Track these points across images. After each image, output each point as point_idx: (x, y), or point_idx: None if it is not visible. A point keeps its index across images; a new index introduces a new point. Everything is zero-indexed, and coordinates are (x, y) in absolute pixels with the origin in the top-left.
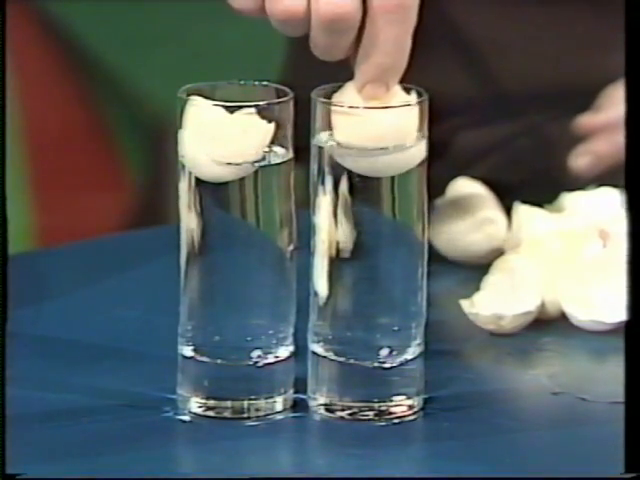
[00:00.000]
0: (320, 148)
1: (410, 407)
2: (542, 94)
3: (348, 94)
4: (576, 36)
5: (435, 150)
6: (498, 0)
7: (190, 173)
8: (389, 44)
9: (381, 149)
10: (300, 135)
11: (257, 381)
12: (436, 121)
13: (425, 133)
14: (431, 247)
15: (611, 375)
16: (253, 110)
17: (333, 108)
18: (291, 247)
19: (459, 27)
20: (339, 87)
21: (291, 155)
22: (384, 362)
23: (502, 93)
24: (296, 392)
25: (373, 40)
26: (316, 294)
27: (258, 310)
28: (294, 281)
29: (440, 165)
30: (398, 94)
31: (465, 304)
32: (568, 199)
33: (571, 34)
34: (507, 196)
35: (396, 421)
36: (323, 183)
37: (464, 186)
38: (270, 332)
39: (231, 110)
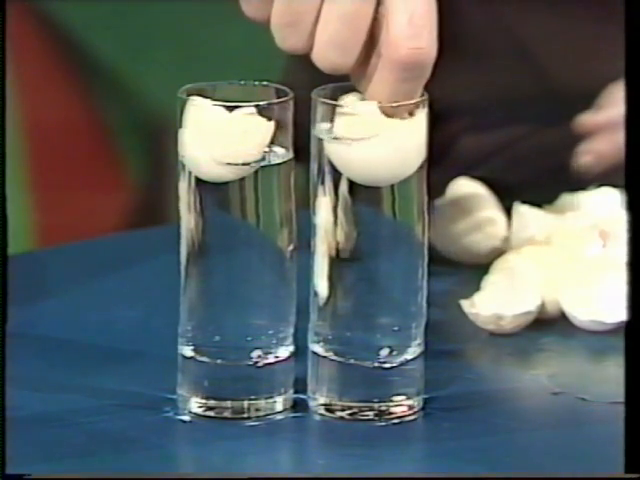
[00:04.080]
0: (320, 140)
1: (410, 407)
2: (543, 96)
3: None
4: (577, 39)
5: (436, 153)
6: (499, 4)
7: (190, 173)
8: (400, 96)
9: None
10: (300, 135)
11: (257, 381)
12: (437, 124)
13: (425, 136)
14: (431, 247)
15: (611, 375)
16: (253, 110)
17: (336, 111)
18: (291, 247)
19: (460, 30)
20: (339, 87)
21: (291, 155)
22: (384, 362)
23: (503, 95)
24: (296, 392)
25: (385, 88)
26: (316, 294)
27: (258, 310)
28: (294, 281)
29: (441, 167)
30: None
31: (465, 304)
32: (568, 199)
33: (572, 37)
34: (507, 196)
35: (396, 421)
36: (323, 183)
37: (464, 186)
38: (270, 332)
39: (231, 110)
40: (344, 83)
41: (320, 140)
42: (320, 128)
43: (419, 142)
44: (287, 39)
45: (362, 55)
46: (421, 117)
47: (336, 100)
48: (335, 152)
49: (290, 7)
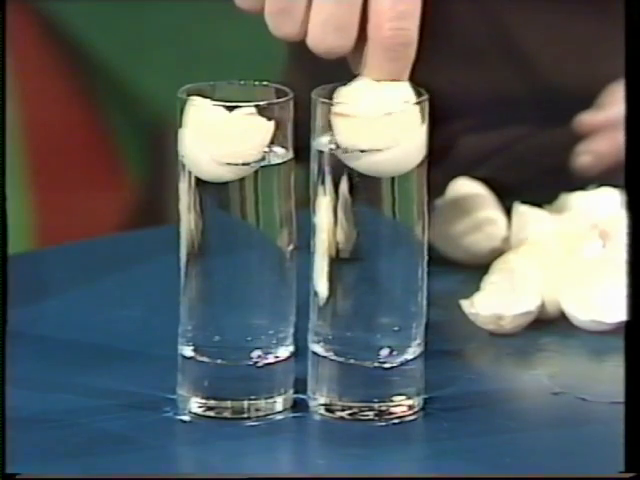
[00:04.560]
0: (320, 152)
1: (410, 407)
2: (543, 97)
3: (347, 96)
4: (578, 39)
5: (437, 153)
6: (501, 5)
7: (190, 173)
8: (388, 76)
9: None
10: (300, 135)
11: (257, 381)
12: (438, 124)
13: (425, 133)
14: (431, 247)
15: (611, 375)
16: (253, 110)
17: (332, 111)
18: (291, 247)
19: (462, 29)
20: (339, 87)
21: (291, 155)
22: (384, 362)
23: (504, 96)
24: (296, 392)
25: (372, 69)
26: (316, 294)
27: (258, 310)
28: (294, 281)
29: (441, 167)
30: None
31: (465, 304)
32: (568, 199)
33: (573, 37)
34: (507, 196)
35: (396, 421)
36: (323, 183)
37: (464, 186)
38: (270, 332)
39: (231, 110)
40: (344, 83)
41: (319, 151)
42: (320, 142)
43: (420, 135)
44: (281, 26)
45: (357, 38)
46: (422, 112)
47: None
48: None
49: None
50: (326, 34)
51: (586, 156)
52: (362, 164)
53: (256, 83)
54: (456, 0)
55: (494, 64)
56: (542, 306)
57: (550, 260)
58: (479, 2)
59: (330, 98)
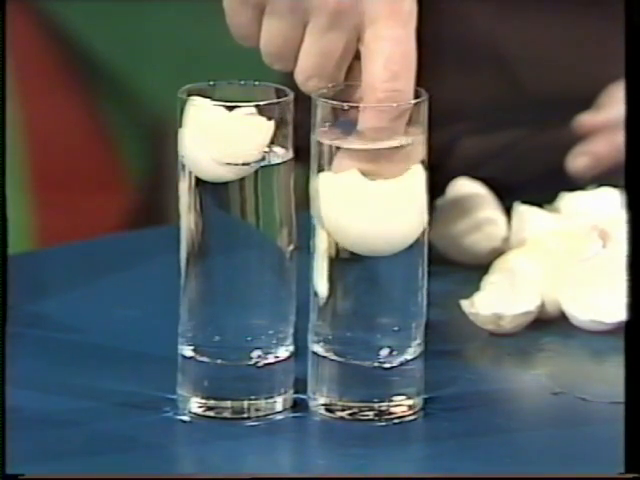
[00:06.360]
0: (320, 144)
1: (410, 407)
2: (543, 98)
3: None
4: (577, 41)
5: (437, 154)
6: (501, 7)
7: (190, 173)
8: (382, 134)
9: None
10: (300, 135)
11: (257, 381)
12: (439, 126)
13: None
14: (431, 247)
15: (611, 375)
16: (253, 110)
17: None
18: (291, 247)
19: (462, 34)
20: (339, 87)
21: (291, 155)
22: (384, 362)
23: (504, 98)
24: (296, 392)
25: (367, 129)
26: (316, 294)
27: (258, 310)
28: (294, 281)
29: (442, 168)
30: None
31: (465, 304)
32: (568, 199)
33: (572, 40)
34: (507, 196)
35: (396, 421)
36: None
37: (464, 186)
38: (270, 332)
39: (231, 110)
40: (344, 83)
41: (320, 142)
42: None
43: (419, 215)
44: (274, 64)
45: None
46: (421, 188)
47: (336, 100)
48: (333, 225)
49: (275, 39)
50: (307, 81)
51: (584, 157)
52: (359, 245)
53: (256, 83)
54: (453, 6)
55: (494, 67)
56: (542, 306)
57: (550, 260)
58: (483, 6)
59: (331, 98)
